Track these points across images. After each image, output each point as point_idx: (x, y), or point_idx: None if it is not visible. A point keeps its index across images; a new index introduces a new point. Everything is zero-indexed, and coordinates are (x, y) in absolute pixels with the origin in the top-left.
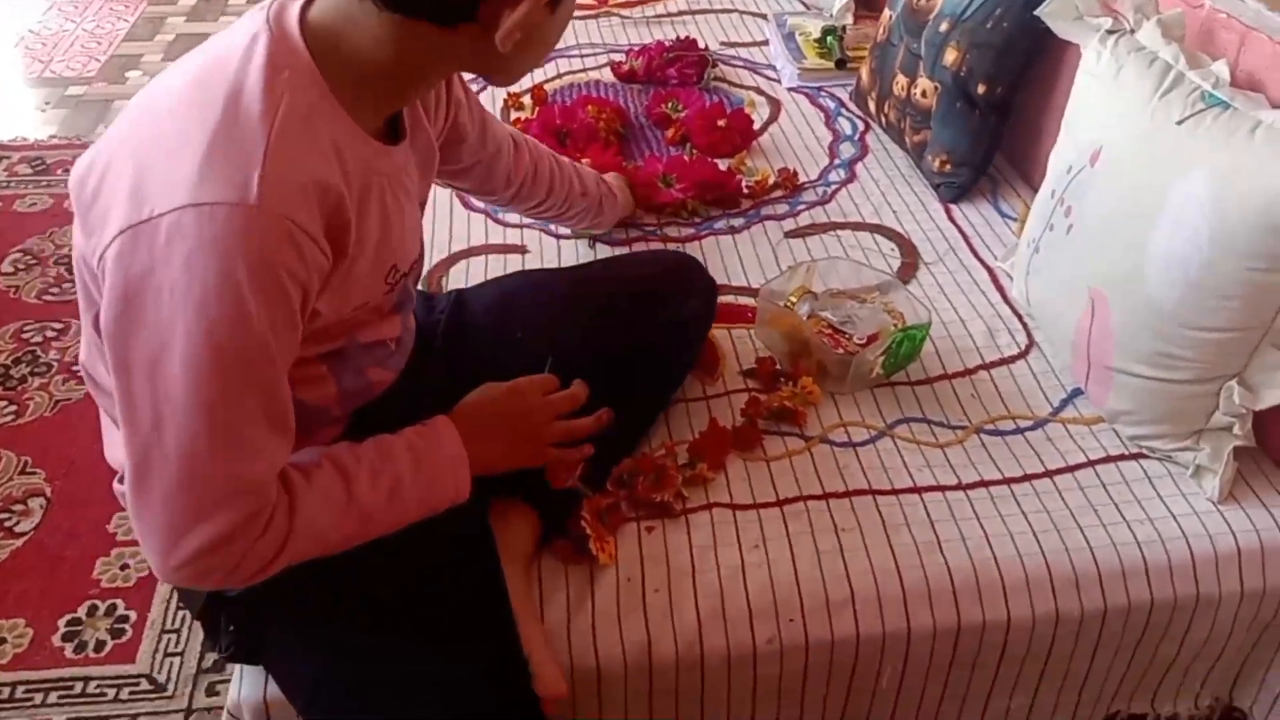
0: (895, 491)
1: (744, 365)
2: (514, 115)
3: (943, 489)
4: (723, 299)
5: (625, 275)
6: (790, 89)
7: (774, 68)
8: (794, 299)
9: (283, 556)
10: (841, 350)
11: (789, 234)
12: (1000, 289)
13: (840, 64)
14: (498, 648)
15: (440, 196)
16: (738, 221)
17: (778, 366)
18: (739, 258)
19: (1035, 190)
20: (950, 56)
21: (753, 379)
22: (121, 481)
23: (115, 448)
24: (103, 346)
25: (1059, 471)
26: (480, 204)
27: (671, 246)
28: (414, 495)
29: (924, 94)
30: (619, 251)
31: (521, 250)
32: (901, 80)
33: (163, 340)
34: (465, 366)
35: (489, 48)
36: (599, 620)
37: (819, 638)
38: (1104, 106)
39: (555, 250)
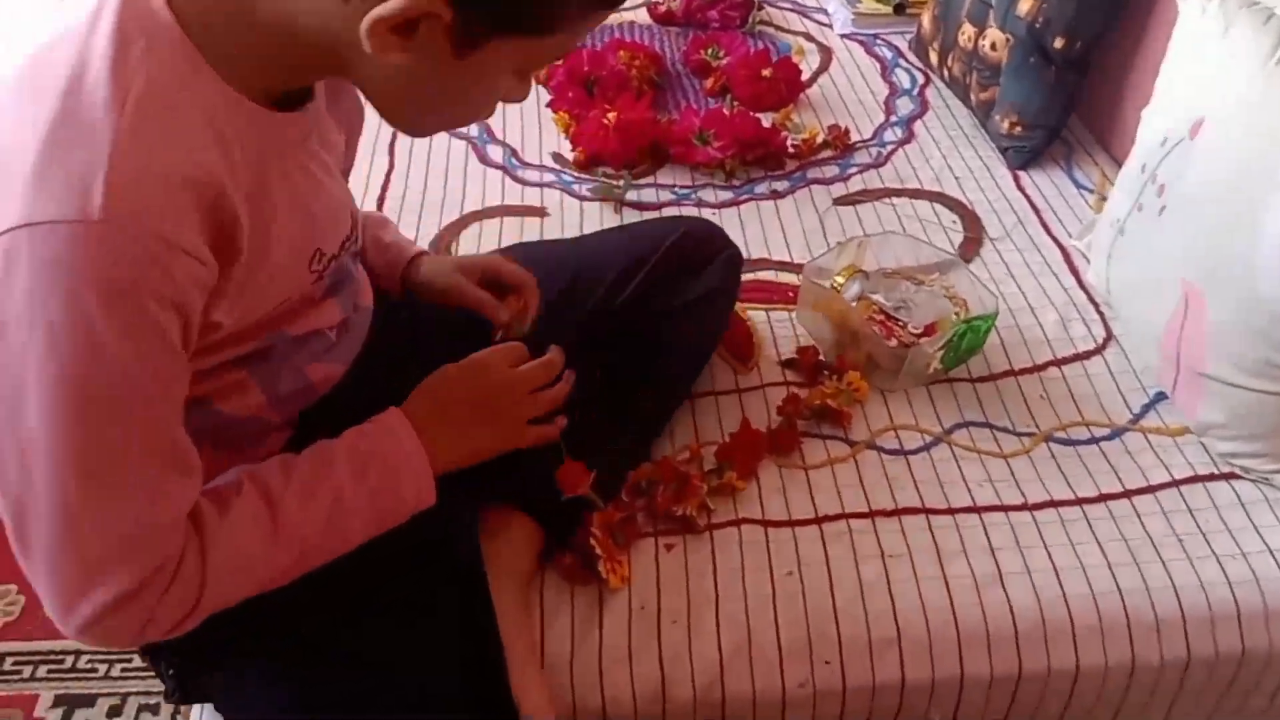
0: (951, 511)
1: (783, 354)
2: None
3: (1006, 509)
4: (762, 275)
5: (637, 247)
6: (843, 35)
7: (825, 11)
8: (841, 279)
9: (203, 605)
10: (895, 341)
11: (838, 200)
12: (1074, 271)
13: (899, 9)
14: (480, 689)
15: (455, 148)
16: (781, 185)
17: (821, 357)
18: (781, 226)
19: (1115, 159)
20: (1025, 5)
21: (792, 370)
22: None
23: None
24: None
25: (1139, 492)
26: (498, 159)
27: (706, 212)
28: (362, 508)
29: (993, 46)
30: (645, 217)
31: (541, 213)
32: (968, 30)
33: (15, 383)
34: (444, 350)
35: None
36: (607, 655)
37: (858, 683)
38: (1208, 70)
39: (578, 213)
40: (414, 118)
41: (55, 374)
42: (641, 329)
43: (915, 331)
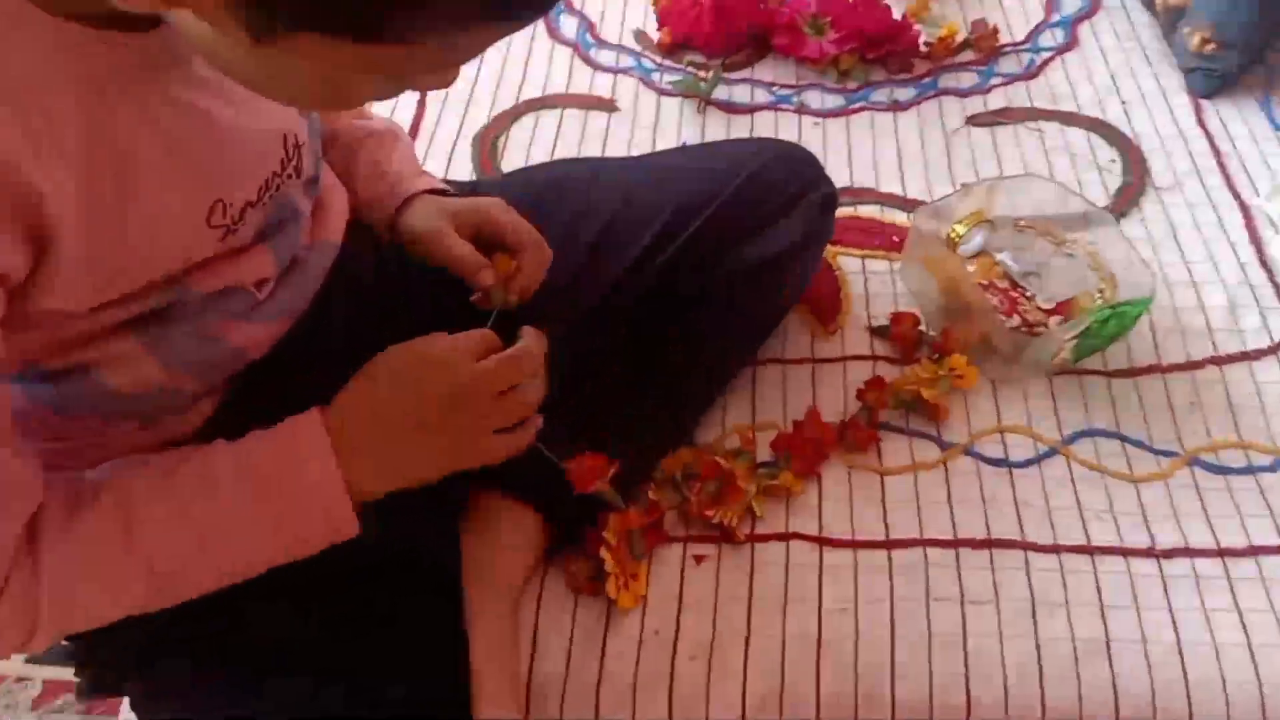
0: (1058, 549)
1: (875, 317)
2: None
3: (1127, 553)
4: (864, 210)
5: (702, 178)
6: None
7: None
8: (961, 229)
9: (44, 626)
10: (1018, 321)
11: (973, 119)
12: (1256, 242)
13: None
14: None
15: None
16: (905, 93)
17: (921, 328)
18: (897, 147)
19: None
20: None
21: (883, 340)
22: None
23: None
24: None
25: None
26: (570, 33)
27: (807, 122)
28: (254, 539)
29: None
30: (734, 122)
31: (610, 106)
32: None
33: None
34: (430, 310)
35: None
36: (607, 686)
37: None
38: None
39: (653, 110)
40: (252, 89)
41: None
42: (693, 291)
43: (1045, 307)
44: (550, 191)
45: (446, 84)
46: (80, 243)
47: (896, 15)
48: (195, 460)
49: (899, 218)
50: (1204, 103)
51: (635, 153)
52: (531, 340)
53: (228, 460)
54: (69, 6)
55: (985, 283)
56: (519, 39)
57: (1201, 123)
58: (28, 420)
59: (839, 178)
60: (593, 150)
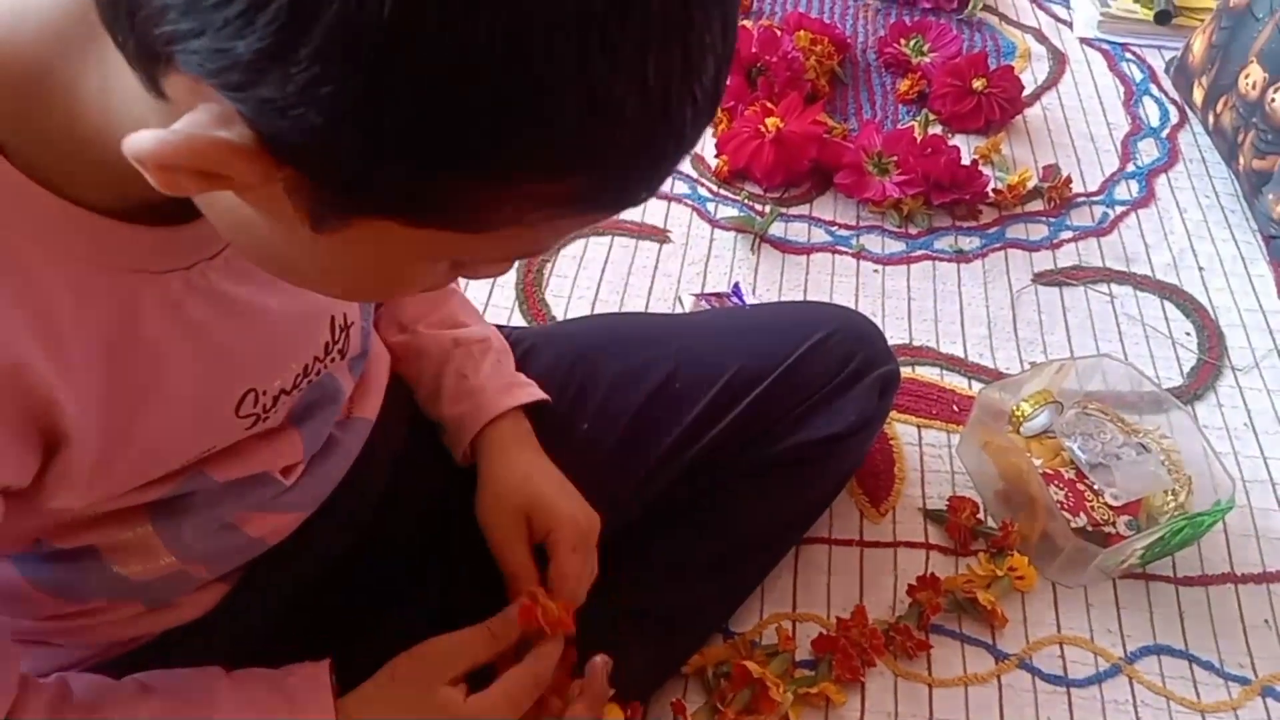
0: None
1: (930, 497)
2: None
3: None
4: (922, 373)
5: (757, 350)
6: (1083, 39)
7: (1067, 2)
8: (1028, 407)
9: None
10: (1084, 520)
11: (1040, 276)
12: None
13: (1163, 17)
14: None
15: None
16: (970, 242)
17: (979, 515)
18: (960, 302)
19: None
20: None
21: (938, 527)
22: None
23: None
24: None
25: None
26: None
27: (867, 266)
28: None
29: None
30: (789, 261)
31: (662, 236)
32: (1256, 74)
33: None
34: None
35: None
36: None
37: None
38: None
39: (706, 243)
40: (293, 282)
41: None
42: (740, 471)
43: (1114, 505)
44: (598, 350)
45: (503, 272)
46: (94, 444)
47: (966, 159)
48: (171, 692)
49: (959, 383)
50: None
51: (685, 288)
52: (537, 662)
53: (216, 689)
54: (97, 200)
55: (1050, 471)
56: None
57: None
58: (21, 601)
59: (897, 332)
60: (641, 283)
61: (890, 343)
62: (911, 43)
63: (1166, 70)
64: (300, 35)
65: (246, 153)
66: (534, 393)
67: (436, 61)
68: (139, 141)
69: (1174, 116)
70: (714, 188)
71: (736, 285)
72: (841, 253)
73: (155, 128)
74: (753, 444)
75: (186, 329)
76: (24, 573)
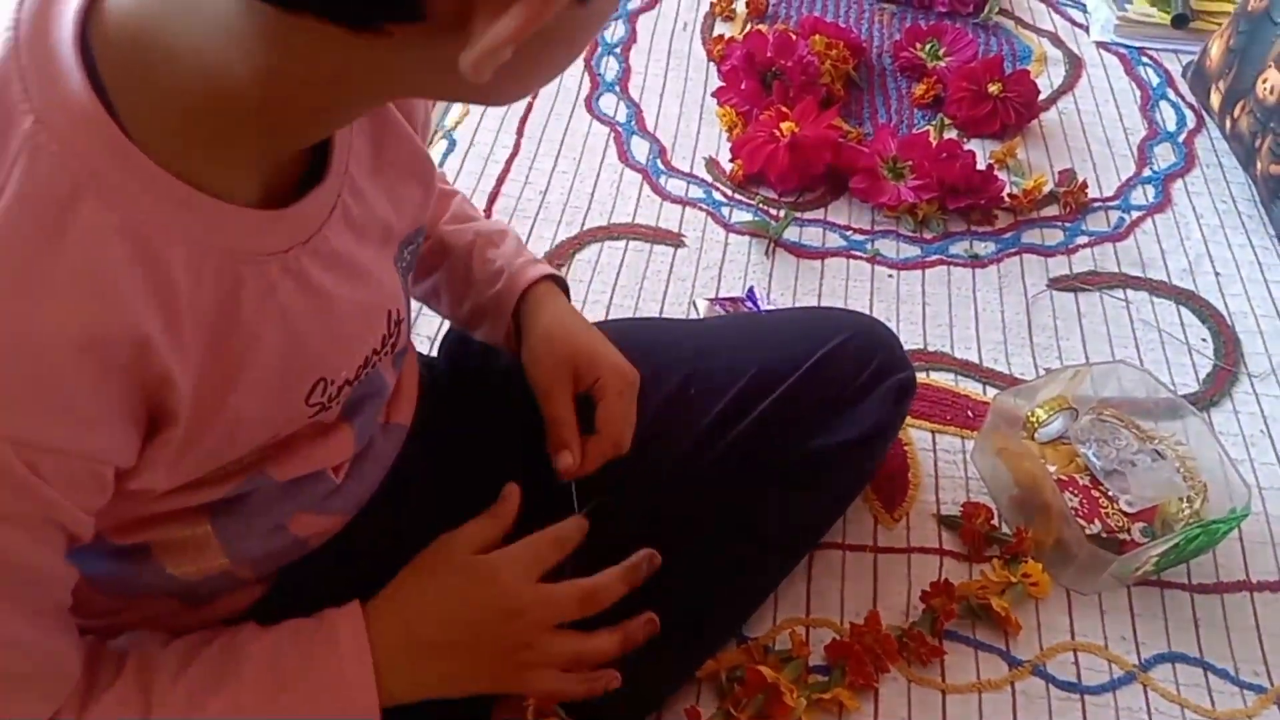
0: None
1: (944, 503)
2: (717, 30)
3: None
4: (936, 378)
5: (773, 355)
6: (1099, 43)
7: (1083, 6)
8: (1043, 413)
9: None
10: (1099, 527)
11: (1055, 282)
12: None
13: (1180, 21)
14: None
15: (596, 134)
16: (985, 247)
17: (993, 521)
18: (975, 307)
19: None
20: None
21: (952, 533)
22: None
23: None
24: None
25: None
26: (641, 157)
27: (882, 271)
28: None
29: None
30: (803, 266)
31: (677, 240)
32: (1275, 79)
33: None
34: (506, 462)
35: (443, 66)
36: None
37: None
38: None
39: (720, 247)
40: (509, 96)
41: None
42: (755, 477)
43: (1128, 511)
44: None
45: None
46: (179, 430)
47: (981, 164)
48: (224, 643)
49: (974, 388)
50: None
51: (699, 293)
52: (612, 578)
53: (256, 650)
54: (208, 181)
55: (1064, 478)
56: (591, 158)
57: None
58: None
59: (912, 337)
60: (656, 288)
61: (905, 348)
62: (927, 47)
63: (1183, 74)
64: None
65: None
66: (548, 269)
67: None
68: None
69: (1191, 121)
70: (729, 192)
71: (751, 290)
72: (856, 257)
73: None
74: (768, 449)
75: (277, 314)
76: (81, 567)
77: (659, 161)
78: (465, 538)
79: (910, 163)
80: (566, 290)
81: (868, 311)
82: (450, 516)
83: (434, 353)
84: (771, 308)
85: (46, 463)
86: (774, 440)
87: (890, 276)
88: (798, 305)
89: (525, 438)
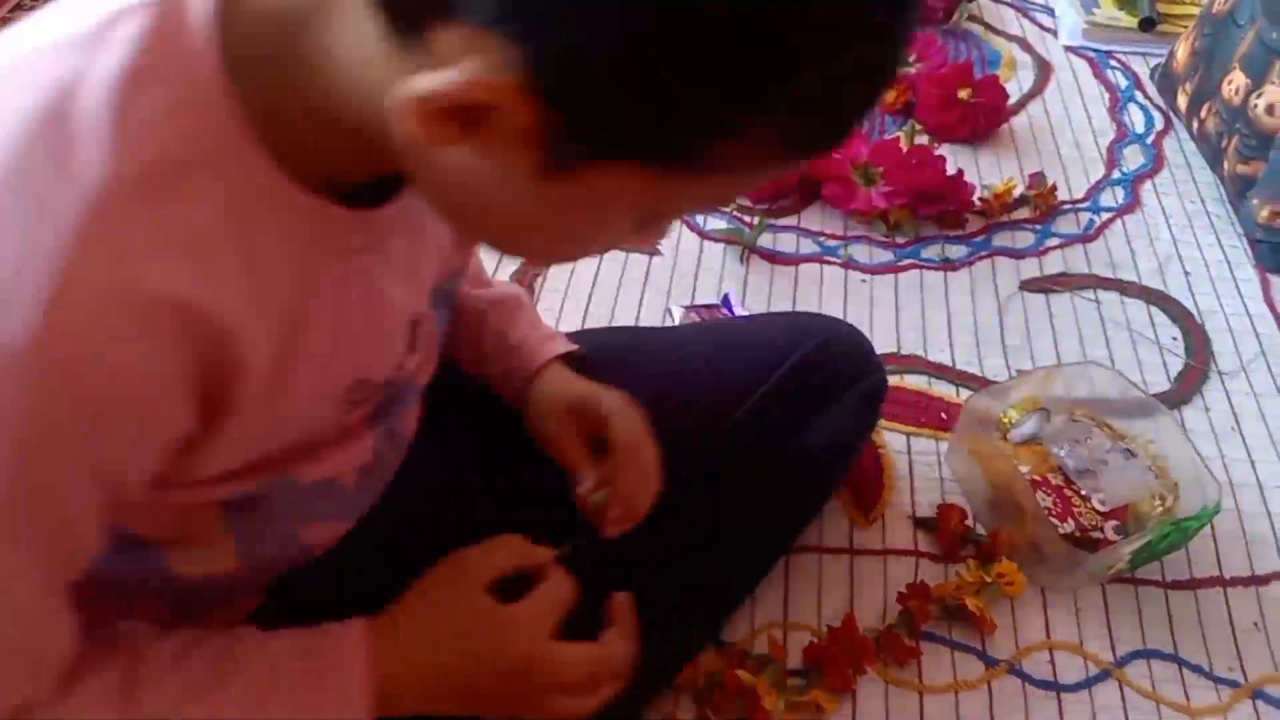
0: None
1: (919, 505)
2: None
3: None
4: (910, 381)
5: (750, 360)
6: (1068, 48)
7: (1051, 11)
8: (1015, 414)
9: None
10: (1072, 526)
11: (1027, 284)
12: None
13: (1147, 24)
14: None
15: None
16: (957, 251)
17: (968, 521)
18: (947, 310)
19: None
20: None
21: (927, 534)
22: None
23: None
24: None
25: None
26: None
27: (855, 277)
28: None
29: (1270, 110)
30: (778, 272)
31: (651, 249)
32: (1239, 80)
33: None
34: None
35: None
36: None
37: None
38: None
39: (694, 256)
40: (492, 239)
41: None
42: (729, 483)
43: (1101, 510)
44: (589, 364)
45: (664, 237)
46: (234, 421)
47: (952, 168)
48: (220, 646)
49: (947, 391)
50: (1273, 278)
51: (675, 300)
52: (616, 641)
53: (258, 656)
54: (305, 176)
55: (1038, 478)
56: None
57: (1270, 301)
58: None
59: (885, 340)
60: (631, 296)
61: (879, 351)
62: None
63: (1151, 77)
64: None
65: (523, 95)
66: (568, 345)
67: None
68: (421, 83)
69: (1159, 123)
70: None
71: (726, 296)
72: (829, 263)
73: (389, 87)
74: (742, 454)
75: (342, 311)
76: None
77: None
78: (483, 559)
79: (882, 169)
80: (582, 359)
81: (842, 316)
82: (447, 525)
83: None
84: (746, 314)
85: (122, 422)
86: (749, 445)
87: (864, 281)
88: (773, 311)
89: (521, 446)
